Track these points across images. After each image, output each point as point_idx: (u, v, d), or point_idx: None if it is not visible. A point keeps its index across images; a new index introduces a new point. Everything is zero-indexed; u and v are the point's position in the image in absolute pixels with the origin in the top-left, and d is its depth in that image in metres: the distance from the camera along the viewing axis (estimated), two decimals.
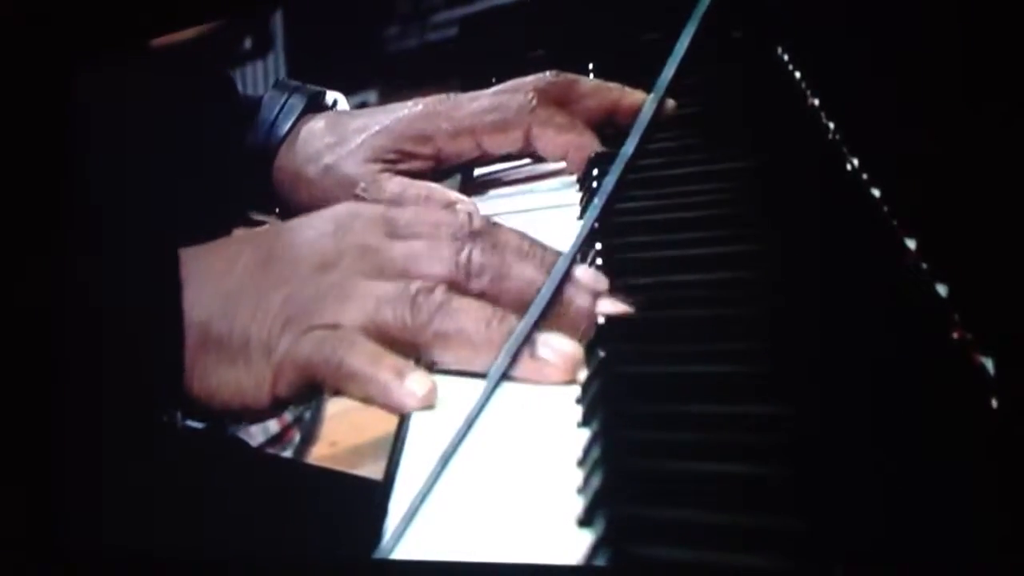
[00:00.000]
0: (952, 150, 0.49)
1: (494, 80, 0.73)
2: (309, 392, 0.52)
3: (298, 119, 0.72)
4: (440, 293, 0.51)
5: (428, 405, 0.50)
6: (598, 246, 0.56)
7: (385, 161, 0.70)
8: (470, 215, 0.55)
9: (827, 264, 0.52)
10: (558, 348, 0.50)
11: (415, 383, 0.50)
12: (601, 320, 0.51)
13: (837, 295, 0.50)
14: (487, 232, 0.54)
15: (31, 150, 0.60)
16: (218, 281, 0.53)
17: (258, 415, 0.54)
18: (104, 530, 0.53)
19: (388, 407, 0.50)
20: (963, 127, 0.49)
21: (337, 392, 0.51)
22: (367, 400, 0.50)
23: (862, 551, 0.37)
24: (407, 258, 0.53)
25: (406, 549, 0.42)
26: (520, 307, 0.51)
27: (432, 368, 0.51)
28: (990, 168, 0.46)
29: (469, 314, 0.51)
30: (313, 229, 0.54)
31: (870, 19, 0.61)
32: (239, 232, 0.70)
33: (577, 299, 0.51)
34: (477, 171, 0.75)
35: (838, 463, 0.41)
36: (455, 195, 0.69)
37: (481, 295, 0.52)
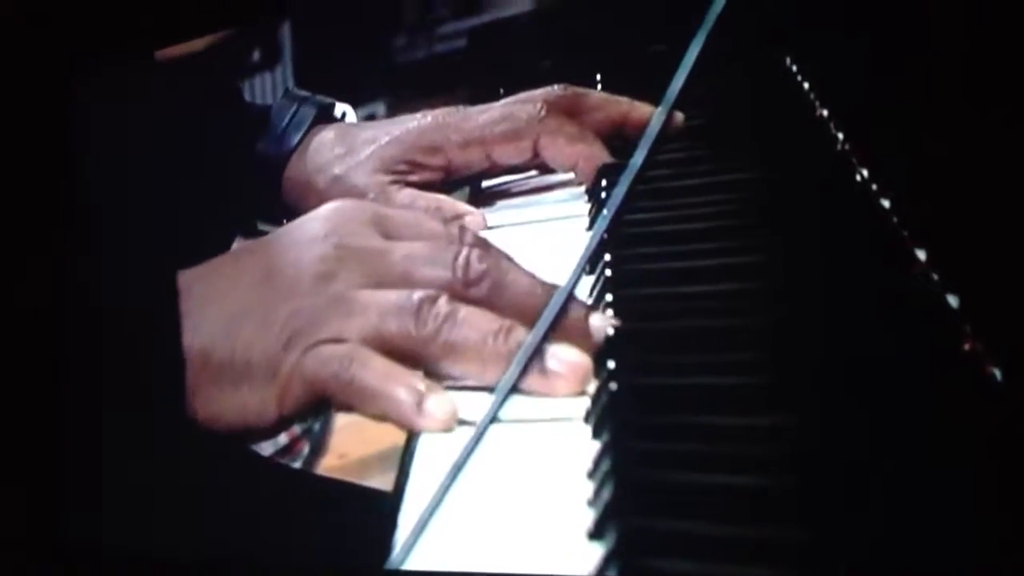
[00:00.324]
0: (962, 160, 0.49)
1: (502, 92, 0.73)
2: (316, 408, 0.51)
3: (308, 129, 0.73)
4: (444, 303, 0.50)
5: (448, 428, 0.48)
6: (607, 257, 0.56)
7: (395, 172, 0.70)
8: (462, 227, 0.55)
9: (836, 275, 0.52)
10: (567, 360, 0.49)
11: (435, 406, 0.49)
12: (610, 331, 0.50)
13: (846, 306, 0.49)
14: (480, 240, 0.54)
15: (31, 151, 0.60)
16: (221, 303, 0.52)
17: (264, 434, 0.53)
18: (106, 536, 0.53)
19: (403, 426, 0.49)
20: (973, 137, 0.49)
21: (346, 408, 0.50)
22: (380, 417, 0.50)
23: (869, 563, 0.37)
24: (405, 260, 0.52)
25: (416, 561, 0.42)
26: (519, 316, 0.50)
27: (441, 383, 0.50)
28: (1000, 179, 0.46)
29: (476, 326, 0.50)
30: (306, 234, 0.53)
31: (879, 29, 0.61)
32: (238, 245, 0.70)
33: (584, 310, 0.51)
34: (485, 182, 0.76)
35: (849, 475, 0.41)
36: (464, 207, 0.69)
37: (479, 303, 0.51)
